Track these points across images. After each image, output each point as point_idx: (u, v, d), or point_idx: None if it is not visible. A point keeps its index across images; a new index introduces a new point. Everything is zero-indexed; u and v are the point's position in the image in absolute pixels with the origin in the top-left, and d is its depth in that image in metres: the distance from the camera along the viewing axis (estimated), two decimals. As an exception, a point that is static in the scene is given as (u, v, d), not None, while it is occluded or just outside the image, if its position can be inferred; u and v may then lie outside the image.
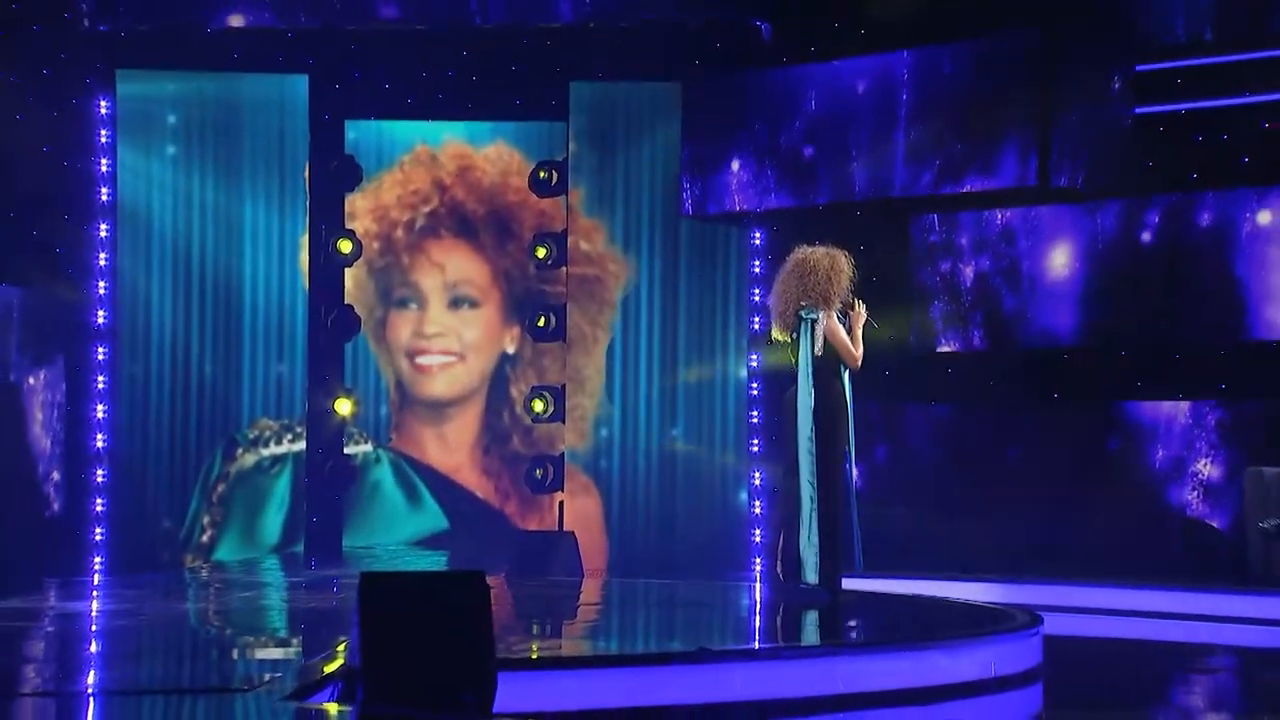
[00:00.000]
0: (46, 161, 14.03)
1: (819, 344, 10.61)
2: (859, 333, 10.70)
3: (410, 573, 8.36)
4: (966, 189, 13.58)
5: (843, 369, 10.66)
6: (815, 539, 10.52)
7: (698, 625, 10.44)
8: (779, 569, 10.74)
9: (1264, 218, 13.54)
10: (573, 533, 14.10)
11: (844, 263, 10.78)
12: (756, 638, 9.94)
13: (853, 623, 10.05)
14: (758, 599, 11.89)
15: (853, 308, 10.76)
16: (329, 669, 7.19)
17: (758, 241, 15.27)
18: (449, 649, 6.51)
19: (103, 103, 14.88)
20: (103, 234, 14.86)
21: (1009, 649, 8.57)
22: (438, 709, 6.45)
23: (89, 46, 14.61)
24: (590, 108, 15.45)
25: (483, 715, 6.48)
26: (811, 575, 10.52)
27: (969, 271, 14.66)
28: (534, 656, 8.20)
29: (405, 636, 6.48)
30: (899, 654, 8.22)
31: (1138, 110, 13.92)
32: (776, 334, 10.85)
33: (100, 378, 14.82)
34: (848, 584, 10.73)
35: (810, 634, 9.70)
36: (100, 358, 14.83)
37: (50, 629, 10.16)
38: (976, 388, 14.70)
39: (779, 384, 14.42)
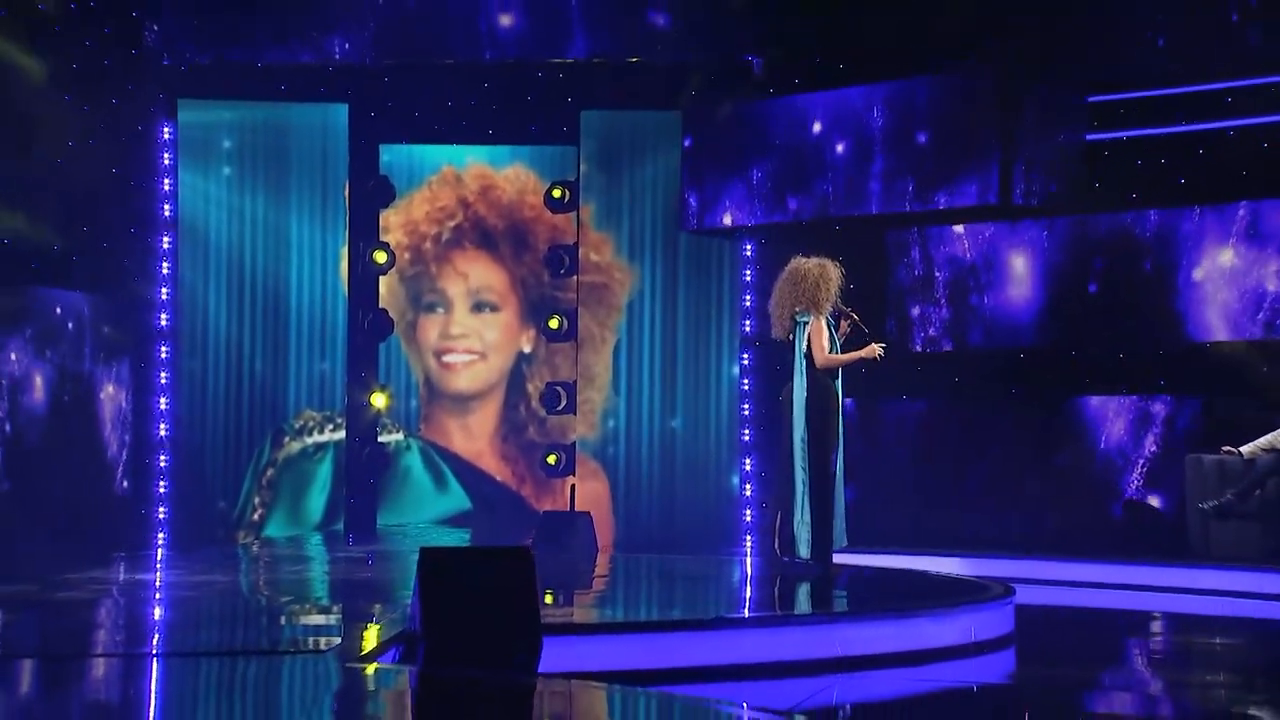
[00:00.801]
0: (116, 181, 13.96)
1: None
2: (861, 354, 10.73)
3: (465, 548, 8.34)
4: (936, 207, 13.62)
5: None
6: (808, 518, 10.55)
7: (709, 595, 10.46)
8: (776, 545, 10.75)
9: (1198, 233, 13.56)
10: (589, 513, 14.08)
11: (833, 272, 10.82)
12: (754, 606, 9.94)
13: (844, 593, 10.06)
14: (759, 573, 11.87)
15: (847, 315, 10.81)
16: (376, 633, 7.21)
17: (748, 253, 15.25)
18: (500, 615, 6.52)
19: (166, 129, 14.84)
20: (165, 245, 14.80)
21: (986, 617, 8.59)
22: (491, 668, 6.46)
23: (154, 79, 14.56)
24: (599, 134, 15.44)
25: (530, 674, 6.48)
26: (805, 551, 10.55)
27: (938, 280, 14.67)
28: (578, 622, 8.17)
29: (461, 604, 6.49)
30: (890, 621, 8.23)
31: (1088, 137, 13.97)
32: (776, 335, 10.88)
33: (163, 374, 14.77)
34: (837, 559, 10.76)
35: (808, 603, 9.69)
36: (163, 356, 14.77)
37: (119, 597, 10.17)
38: (944, 385, 14.72)
39: (767, 379, 14.55)
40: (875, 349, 10.73)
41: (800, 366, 10.66)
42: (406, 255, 16.06)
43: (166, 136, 14.86)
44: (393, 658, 6.65)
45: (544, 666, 6.62)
